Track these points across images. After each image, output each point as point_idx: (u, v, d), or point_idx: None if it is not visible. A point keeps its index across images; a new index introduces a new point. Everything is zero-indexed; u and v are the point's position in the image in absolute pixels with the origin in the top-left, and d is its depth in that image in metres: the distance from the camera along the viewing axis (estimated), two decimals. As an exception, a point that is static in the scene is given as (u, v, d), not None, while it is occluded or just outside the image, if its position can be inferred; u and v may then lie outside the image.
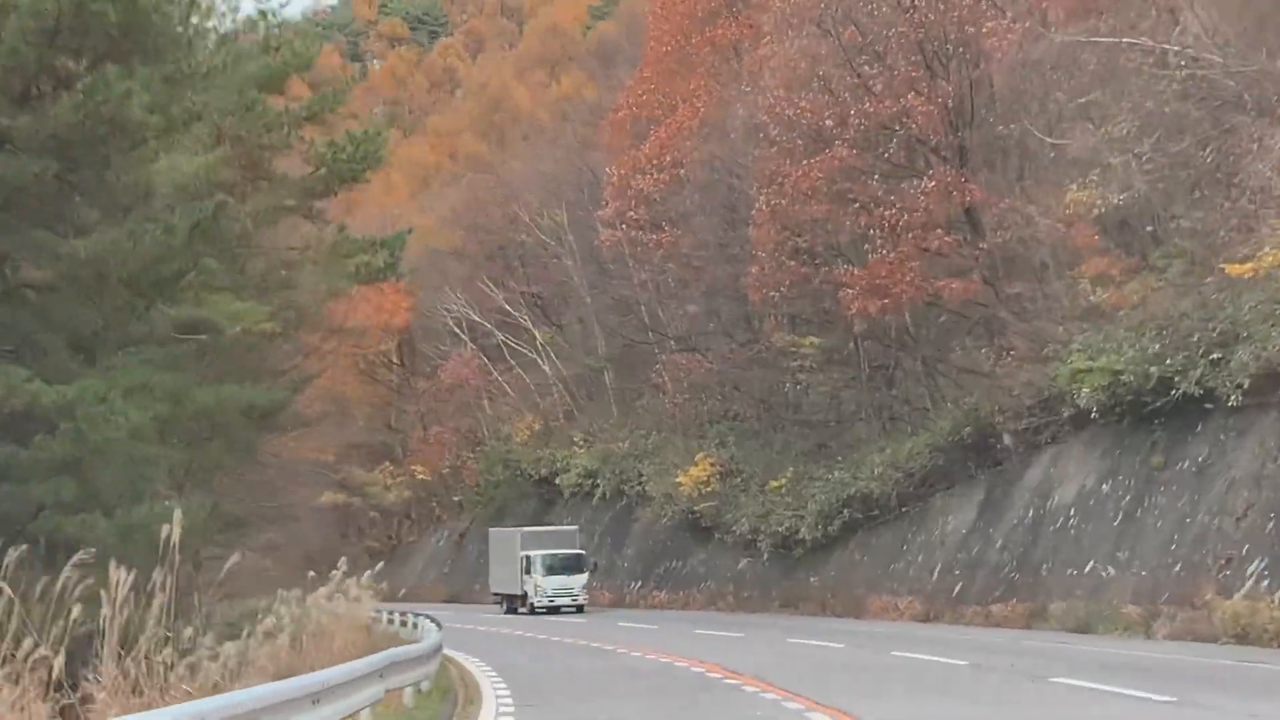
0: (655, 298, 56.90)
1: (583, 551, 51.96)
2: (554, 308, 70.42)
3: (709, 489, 49.83)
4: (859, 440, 44.44)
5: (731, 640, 31.57)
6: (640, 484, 55.25)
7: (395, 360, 76.28)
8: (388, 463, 73.54)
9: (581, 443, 61.40)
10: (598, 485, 58.69)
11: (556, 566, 50.28)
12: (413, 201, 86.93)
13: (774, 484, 45.34)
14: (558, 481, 61.49)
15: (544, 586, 50.09)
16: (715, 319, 52.95)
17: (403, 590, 70.61)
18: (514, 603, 52.10)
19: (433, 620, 34.31)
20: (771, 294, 42.89)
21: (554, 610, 49.69)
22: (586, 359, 62.60)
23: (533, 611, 50.01)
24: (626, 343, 60.81)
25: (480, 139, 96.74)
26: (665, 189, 50.57)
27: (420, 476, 70.47)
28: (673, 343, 54.94)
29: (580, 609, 49.75)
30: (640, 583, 55.06)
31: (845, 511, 41.51)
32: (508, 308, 66.80)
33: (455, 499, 69.25)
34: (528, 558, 50.54)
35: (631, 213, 51.55)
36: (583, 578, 50.32)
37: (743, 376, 51.32)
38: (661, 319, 57.12)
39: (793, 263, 41.81)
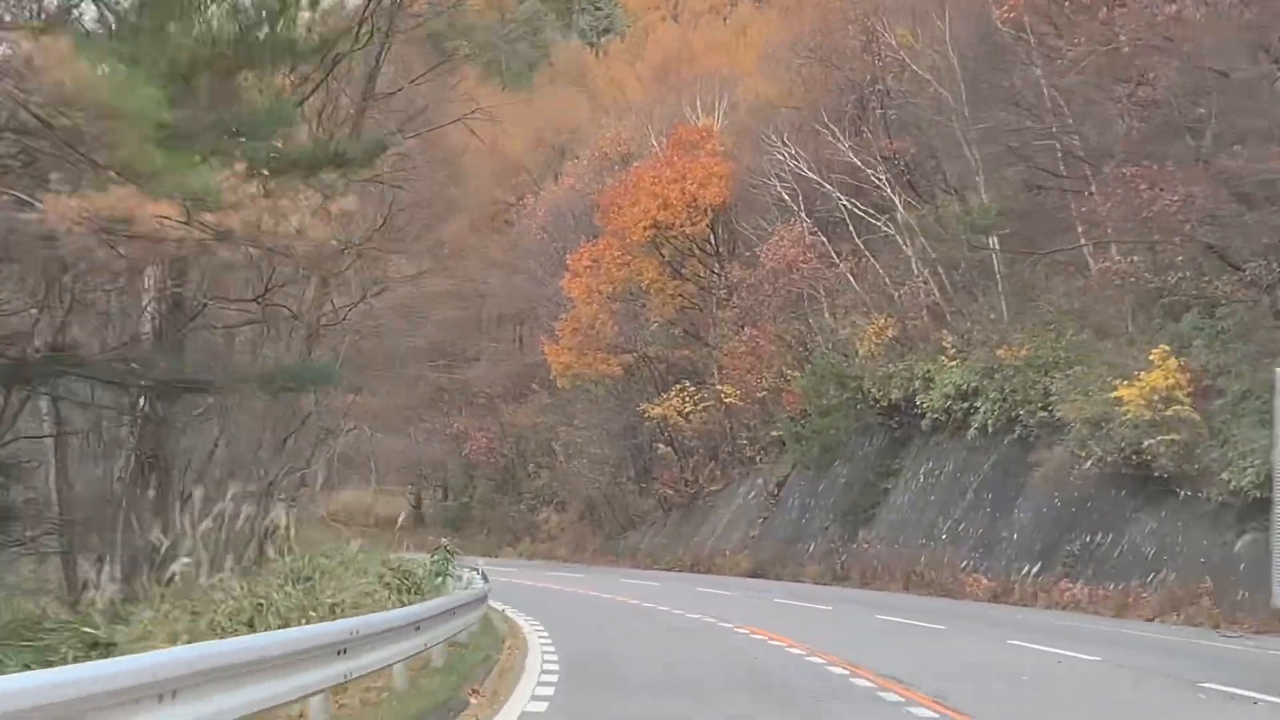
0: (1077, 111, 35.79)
1: None
2: (922, 173, 49.98)
3: (1172, 413, 28.97)
4: None
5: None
6: (1046, 407, 34.72)
7: (708, 245, 57.34)
8: (687, 382, 54.79)
9: (954, 351, 41.12)
10: (975, 410, 38.36)
11: None
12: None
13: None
14: (916, 406, 41.39)
15: None
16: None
17: (691, 556, 51.85)
18: None
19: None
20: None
21: None
22: (967, 221, 41.72)
23: None
24: (1030, 191, 39.82)
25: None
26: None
27: (728, 400, 51.36)
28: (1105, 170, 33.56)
29: None
30: (1037, 566, 34.36)
31: None
32: (858, 164, 46.88)
33: (774, 433, 49.77)
34: None
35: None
36: None
37: (1238, 224, 29.94)
38: (1090, 142, 35.98)
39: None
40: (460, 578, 26.11)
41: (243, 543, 24.71)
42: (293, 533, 23.96)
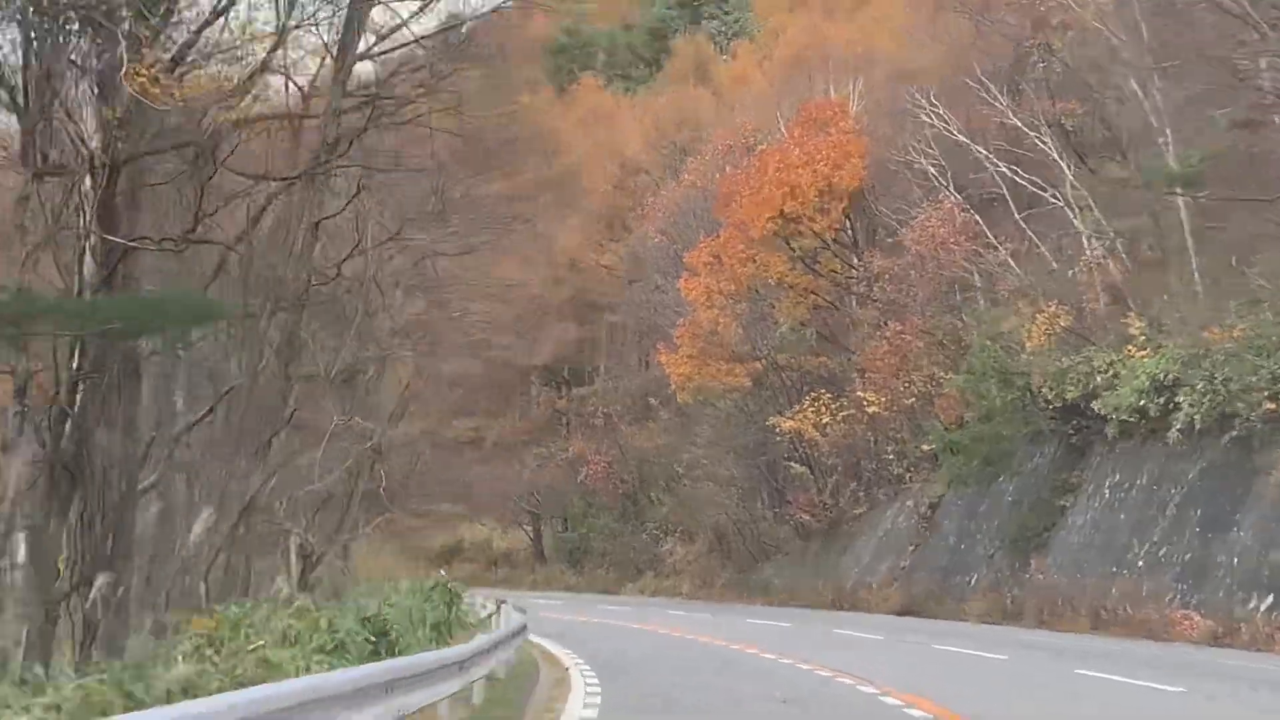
0: None
1: None
2: (1090, 137, 42.77)
3: None
4: None
5: None
6: (1275, 396, 27.38)
7: (844, 235, 50.43)
8: (823, 390, 47.83)
9: (1143, 339, 33.82)
10: (1177, 407, 30.91)
11: None
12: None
13: None
14: (1097, 406, 34.09)
15: None
16: None
17: (831, 591, 44.98)
18: None
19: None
20: None
21: None
22: (1168, 173, 34.16)
23: None
24: (1243, 128, 32.35)
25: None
26: None
27: (871, 408, 44.31)
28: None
29: None
30: (1269, 599, 26.89)
31: None
32: (1020, 126, 39.83)
33: (925, 446, 42.58)
34: None
35: None
36: None
37: None
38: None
39: None
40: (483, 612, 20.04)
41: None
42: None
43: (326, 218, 24.76)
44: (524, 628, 20.77)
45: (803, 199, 46.24)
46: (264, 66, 20.16)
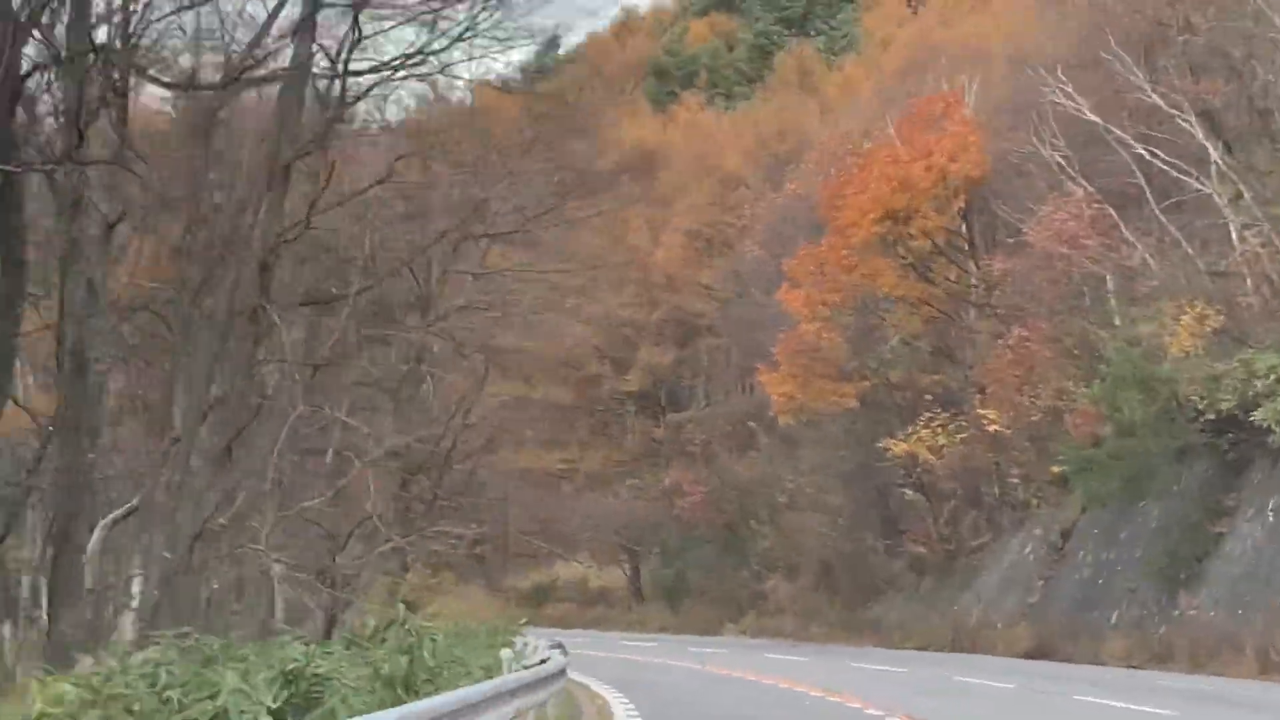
0: None
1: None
2: (1238, 127, 38.03)
3: None
4: None
5: None
6: None
7: (960, 236, 45.93)
8: (939, 409, 43.28)
9: (1312, 338, 29.13)
10: (1358, 413, 26.23)
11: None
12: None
13: None
14: (1257, 417, 29.35)
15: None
16: None
17: (951, 630, 40.52)
18: None
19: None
20: None
21: None
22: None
23: None
24: None
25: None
26: None
27: (992, 427, 39.73)
28: None
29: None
30: None
31: None
32: (1162, 105, 35.29)
33: (1055, 467, 37.85)
34: None
35: None
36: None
37: None
38: None
39: None
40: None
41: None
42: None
43: (297, 158, 21.16)
44: (545, 678, 16.58)
45: (916, 193, 41.92)
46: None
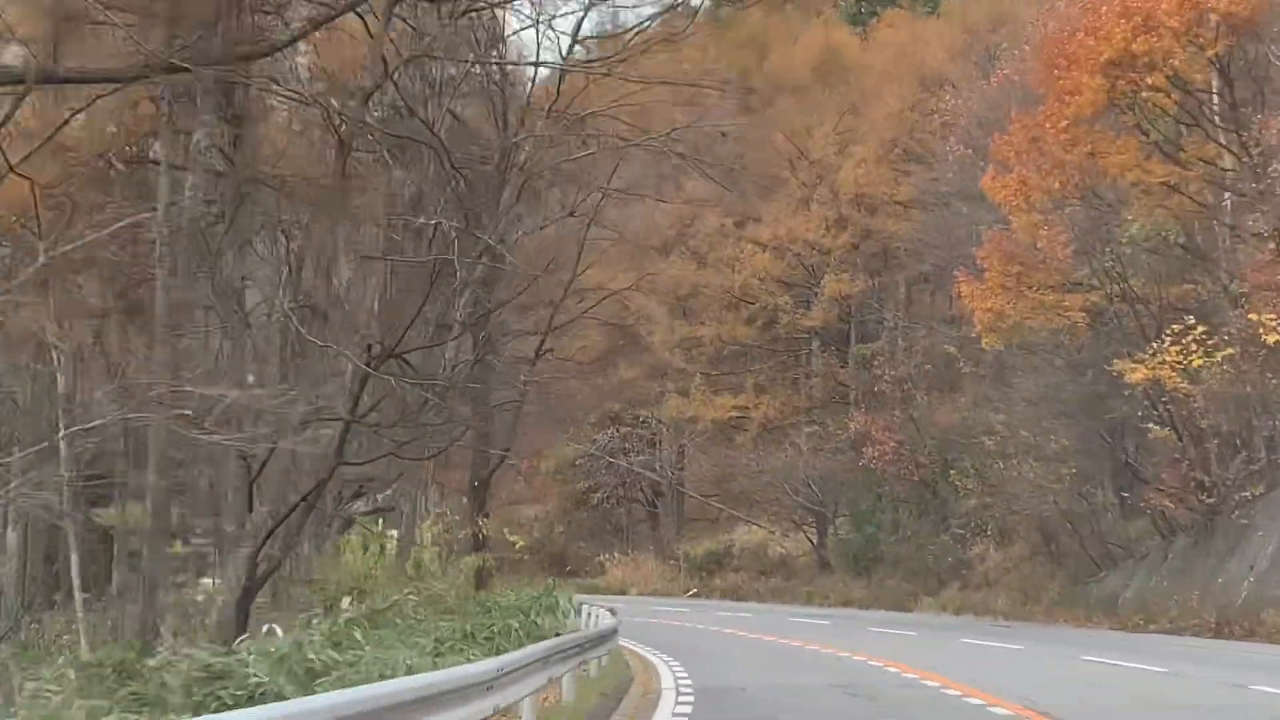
0: None
1: None
2: None
3: None
4: None
5: None
6: None
7: (1219, 97, 35.40)
8: (1192, 319, 33.02)
9: None
10: None
11: None
12: None
13: None
14: None
15: None
16: None
17: (1213, 609, 30.65)
18: None
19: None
20: None
21: None
22: None
23: None
24: None
25: None
26: None
27: (1271, 337, 29.49)
28: None
29: None
30: None
31: None
32: None
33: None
34: None
35: None
36: None
37: None
38: None
39: None
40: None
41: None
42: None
43: None
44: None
45: (1161, 38, 31.85)
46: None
